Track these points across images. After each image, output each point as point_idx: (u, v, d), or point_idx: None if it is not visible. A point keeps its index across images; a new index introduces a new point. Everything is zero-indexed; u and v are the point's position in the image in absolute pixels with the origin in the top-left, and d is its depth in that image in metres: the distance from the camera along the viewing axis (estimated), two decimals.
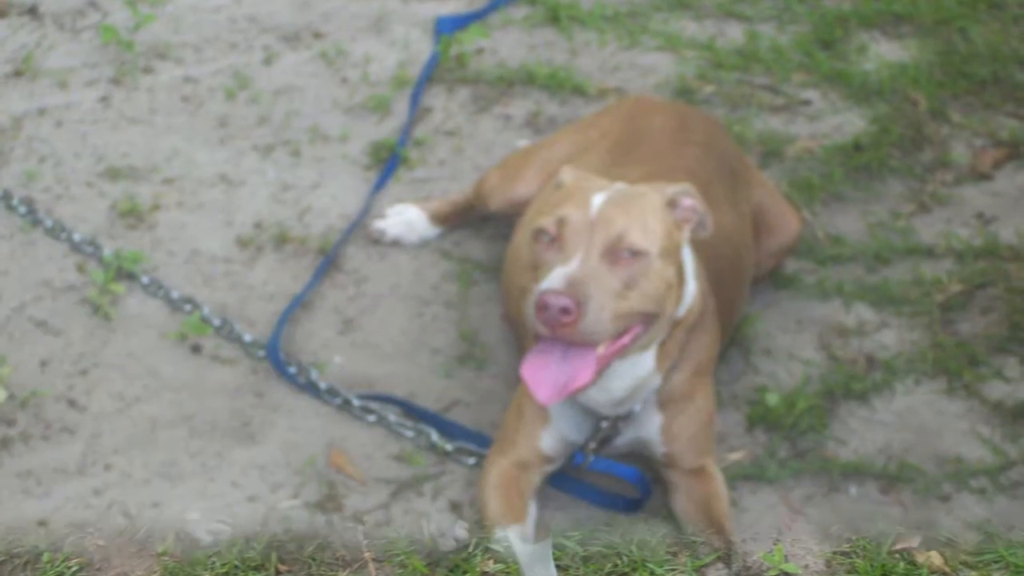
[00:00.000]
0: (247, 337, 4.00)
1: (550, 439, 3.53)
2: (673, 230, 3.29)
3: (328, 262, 4.24)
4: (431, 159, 4.64)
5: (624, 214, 3.20)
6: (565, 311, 3.07)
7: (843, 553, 3.13)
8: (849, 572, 3.07)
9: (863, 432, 3.84)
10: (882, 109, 4.81)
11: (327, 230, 4.37)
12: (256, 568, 3.16)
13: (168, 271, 4.23)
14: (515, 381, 3.80)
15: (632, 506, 3.60)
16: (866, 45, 5.10)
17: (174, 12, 5.17)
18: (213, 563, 3.18)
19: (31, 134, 4.67)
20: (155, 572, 3.16)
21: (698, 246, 3.50)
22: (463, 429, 3.78)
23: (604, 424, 3.48)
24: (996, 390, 3.93)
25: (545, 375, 3.18)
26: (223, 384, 3.93)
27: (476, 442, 3.74)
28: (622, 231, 3.17)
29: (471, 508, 3.62)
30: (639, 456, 3.62)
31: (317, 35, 5.12)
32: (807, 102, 4.87)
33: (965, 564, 3.09)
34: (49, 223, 4.31)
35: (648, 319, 3.25)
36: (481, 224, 4.38)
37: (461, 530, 3.27)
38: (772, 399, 3.85)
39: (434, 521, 3.59)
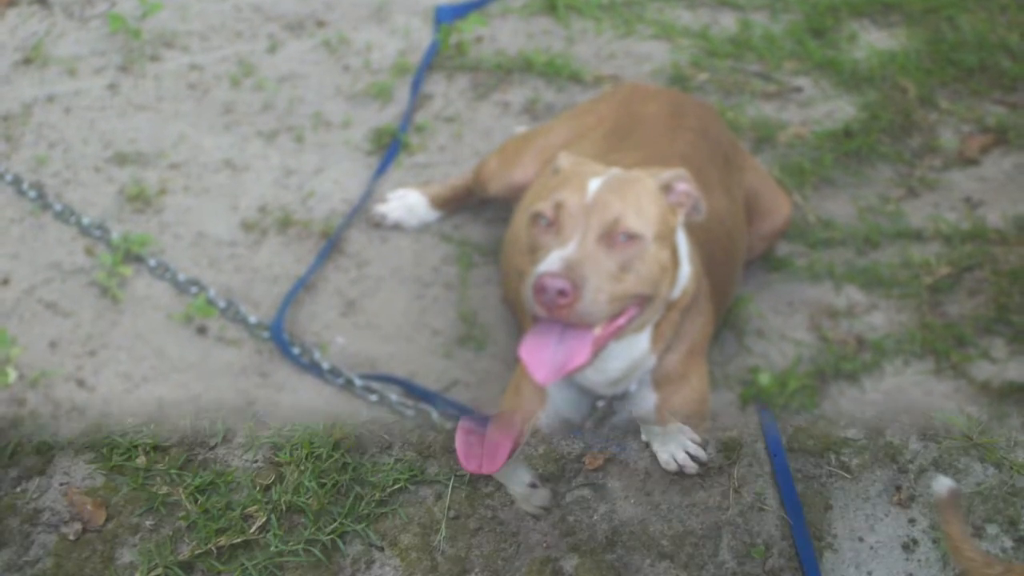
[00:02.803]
0: (252, 318, 4.03)
1: (547, 418, 3.52)
2: (668, 214, 3.27)
3: (331, 245, 4.26)
4: (431, 145, 4.66)
5: (620, 199, 3.19)
6: (562, 293, 3.06)
7: None
8: None
9: (853, 411, 3.87)
10: (872, 96, 4.81)
11: (330, 214, 4.40)
12: None
13: (175, 254, 4.26)
14: (513, 361, 3.83)
15: None
16: (856, 34, 5.10)
17: (181, 1, 5.19)
18: None
19: (41, 120, 4.70)
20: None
21: (692, 229, 3.50)
22: (463, 408, 3.80)
23: (600, 404, 3.50)
24: (983, 370, 3.95)
25: (543, 356, 3.16)
26: (228, 364, 3.96)
27: None
28: (618, 215, 3.16)
29: None
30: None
31: (320, 24, 5.14)
32: (799, 89, 4.88)
33: None
34: (58, 207, 4.34)
35: (643, 301, 3.24)
36: (480, 208, 4.40)
37: None
38: (764, 379, 3.86)
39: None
